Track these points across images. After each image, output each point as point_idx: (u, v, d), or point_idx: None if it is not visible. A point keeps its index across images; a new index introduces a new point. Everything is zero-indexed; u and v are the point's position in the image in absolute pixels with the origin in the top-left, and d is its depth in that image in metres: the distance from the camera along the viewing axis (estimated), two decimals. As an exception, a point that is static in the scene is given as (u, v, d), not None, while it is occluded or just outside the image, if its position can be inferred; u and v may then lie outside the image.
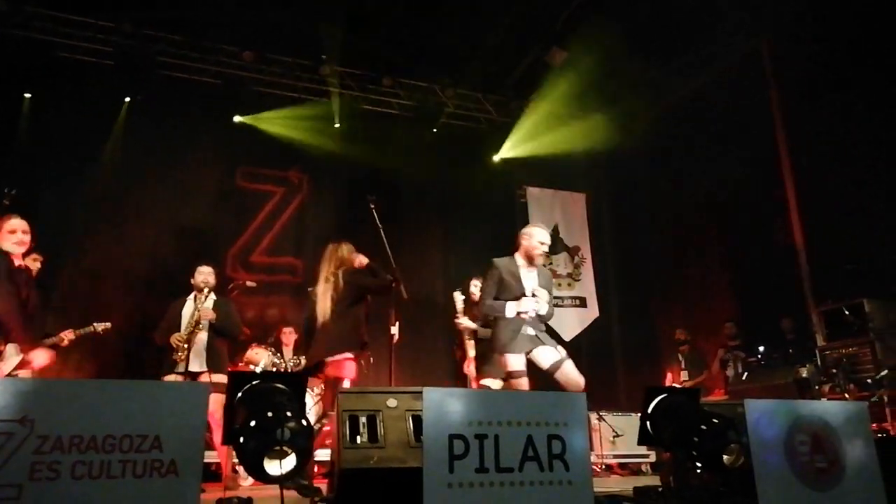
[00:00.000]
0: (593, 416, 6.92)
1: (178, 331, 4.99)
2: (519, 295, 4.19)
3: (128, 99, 8.03)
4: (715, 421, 2.72)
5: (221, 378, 4.95)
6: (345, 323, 4.45)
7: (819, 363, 6.21)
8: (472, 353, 5.63)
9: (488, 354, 5.14)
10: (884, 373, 5.63)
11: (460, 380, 5.85)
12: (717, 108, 8.23)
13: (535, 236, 4.34)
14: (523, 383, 4.08)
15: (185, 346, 4.92)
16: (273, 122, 8.54)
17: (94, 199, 7.64)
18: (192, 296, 5.22)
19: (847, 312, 6.15)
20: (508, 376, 4.18)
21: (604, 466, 6.71)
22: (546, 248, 4.36)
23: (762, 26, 7.91)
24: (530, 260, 4.32)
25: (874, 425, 5.34)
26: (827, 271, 7.01)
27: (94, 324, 5.62)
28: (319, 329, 4.47)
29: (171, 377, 4.95)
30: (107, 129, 7.92)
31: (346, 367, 4.36)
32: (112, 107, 7.99)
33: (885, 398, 5.55)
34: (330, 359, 4.38)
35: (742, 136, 8.05)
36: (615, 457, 6.84)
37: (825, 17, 7.05)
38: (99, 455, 2.04)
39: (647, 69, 8.44)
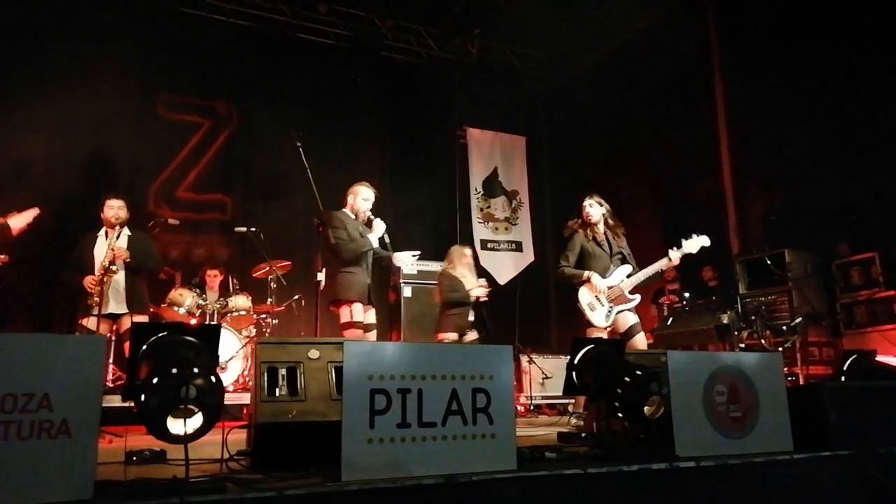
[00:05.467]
0: (524, 359, 7.04)
1: (91, 272, 4.66)
2: None
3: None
4: (638, 373, 2.73)
5: (144, 318, 4.77)
6: None
7: (740, 310, 6.46)
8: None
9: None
10: (798, 320, 5.92)
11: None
12: (656, 53, 8.18)
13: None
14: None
15: (99, 288, 4.60)
16: (198, 48, 7.91)
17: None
18: (102, 232, 4.84)
19: (769, 262, 6.38)
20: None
21: (532, 408, 6.88)
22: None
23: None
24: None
25: (785, 369, 5.65)
26: (752, 222, 7.24)
27: None
28: None
29: (88, 321, 4.66)
30: (4, 45, 7.01)
31: None
32: (10, 22, 7.14)
33: (797, 344, 5.85)
34: None
35: (680, 83, 8.05)
36: (544, 398, 7.01)
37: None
38: (-24, 416, 1.85)
39: (590, 9, 8.24)
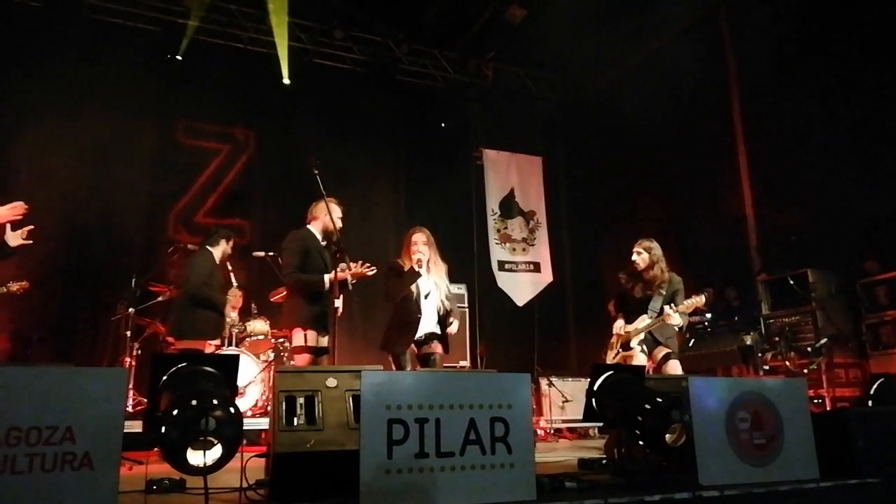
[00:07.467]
0: (543, 382, 6.98)
1: (220, 290, 5.09)
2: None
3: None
4: (659, 400, 2.70)
5: None
6: None
7: (763, 331, 6.35)
8: None
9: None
10: (823, 341, 5.80)
11: None
12: (671, 71, 8.16)
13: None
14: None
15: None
16: (216, 75, 8.06)
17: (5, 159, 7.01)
18: (218, 257, 5.38)
19: (791, 282, 6.28)
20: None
21: (552, 431, 6.80)
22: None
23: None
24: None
25: (811, 391, 5.54)
26: (773, 241, 7.14)
27: (9, 283, 5.21)
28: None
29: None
30: (29, 73, 7.15)
31: None
32: (35, 51, 7.33)
33: (823, 366, 5.73)
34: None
35: (696, 100, 8.02)
36: (564, 422, 6.93)
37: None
38: (2, 449, 1.88)
39: (603, 30, 8.27)
